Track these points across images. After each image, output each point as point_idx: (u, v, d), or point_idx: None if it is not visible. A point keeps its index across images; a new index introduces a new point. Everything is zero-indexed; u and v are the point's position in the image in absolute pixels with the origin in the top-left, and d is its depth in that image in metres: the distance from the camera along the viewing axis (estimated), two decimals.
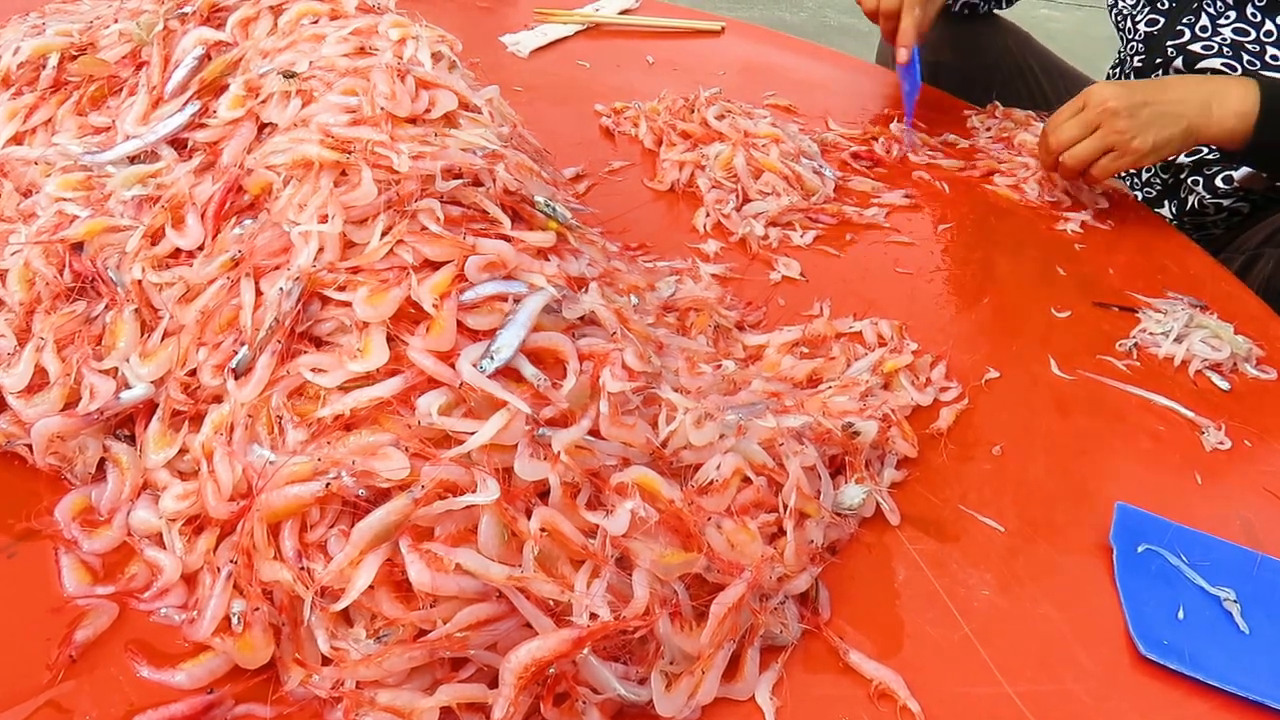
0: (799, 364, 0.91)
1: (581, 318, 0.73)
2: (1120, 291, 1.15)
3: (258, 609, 0.59)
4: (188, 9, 0.91)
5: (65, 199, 0.81)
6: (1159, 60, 1.39)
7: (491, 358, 0.64)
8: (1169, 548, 0.78)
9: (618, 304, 0.79)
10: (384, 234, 0.70)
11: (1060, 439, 0.91)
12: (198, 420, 0.68)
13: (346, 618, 0.59)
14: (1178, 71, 1.35)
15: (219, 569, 0.61)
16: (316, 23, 0.89)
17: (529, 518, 0.60)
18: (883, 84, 1.67)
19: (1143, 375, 1.01)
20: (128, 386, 0.71)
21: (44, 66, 0.91)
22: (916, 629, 0.70)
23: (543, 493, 0.62)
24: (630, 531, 0.62)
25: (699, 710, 0.62)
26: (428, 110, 0.80)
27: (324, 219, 0.70)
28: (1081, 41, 3.66)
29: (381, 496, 0.59)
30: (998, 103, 1.55)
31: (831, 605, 0.71)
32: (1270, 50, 1.27)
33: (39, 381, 0.71)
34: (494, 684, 0.57)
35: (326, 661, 0.58)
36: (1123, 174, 1.56)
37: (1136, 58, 1.45)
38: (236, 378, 0.66)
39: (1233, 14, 1.30)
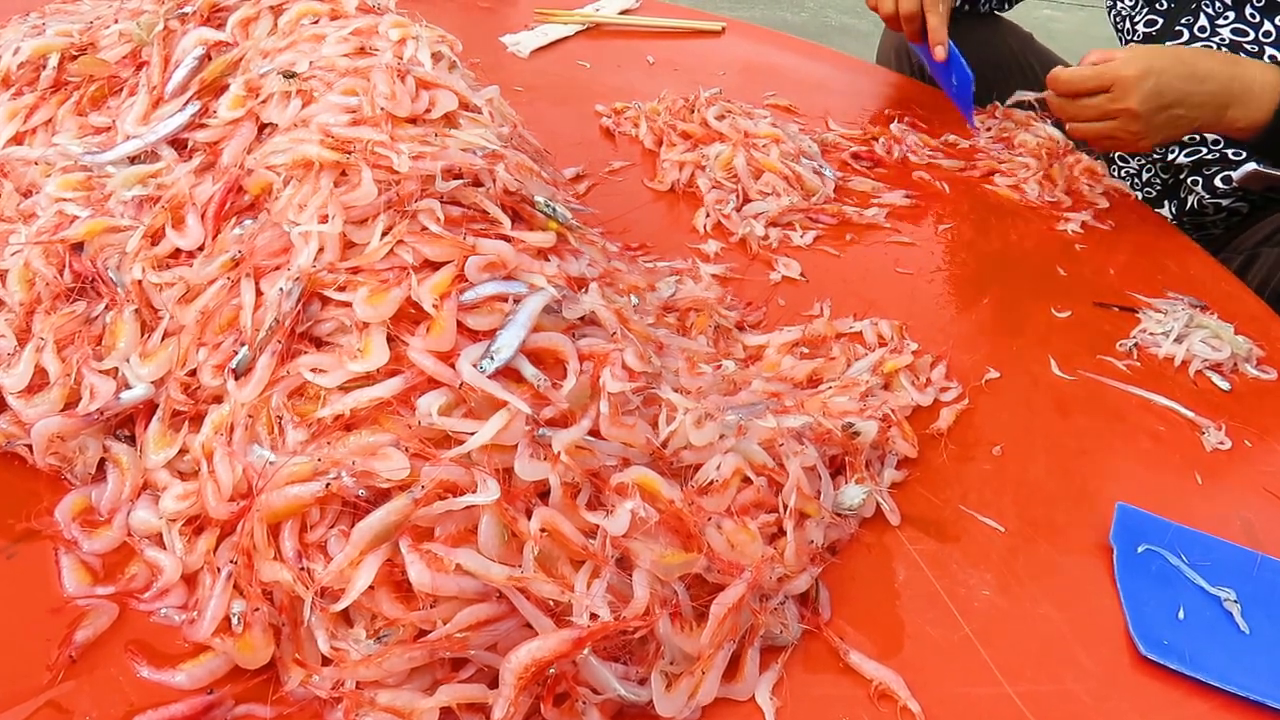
0: (799, 364, 0.91)
1: (582, 318, 0.73)
2: (1120, 291, 1.15)
3: (258, 609, 0.59)
4: (188, 9, 0.91)
5: (65, 199, 0.81)
6: None
7: (491, 358, 0.64)
8: (1169, 548, 0.78)
9: (618, 304, 0.79)
10: (384, 234, 0.70)
11: (1060, 439, 0.91)
12: (198, 420, 0.68)
13: (346, 618, 0.59)
14: None
15: (219, 569, 0.61)
16: (317, 23, 0.89)
17: (529, 518, 0.60)
18: (883, 84, 1.67)
19: (1143, 375, 1.01)
20: (128, 387, 0.71)
21: (44, 67, 0.91)
22: (917, 629, 0.70)
23: (543, 493, 0.62)
24: (630, 532, 0.62)
25: (699, 710, 0.62)
26: (428, 110, 0.80)
27: (324, 219, 0.70)
28: (1083, 41, 3.65)
29: (381, 497, 0.59)
30: (998, 103, 1.55)
31: (832, 605, 0.71)
32: (1269, 50, 1.27)
33: (39, 382, 0.71)
34: (494, 684, 0.57)
35: (326, 662, 0.58)
36: (1123, 174, 1.56)
37: None
38: (236, 378, 0.66)
39: (1231, 14, 1.30)
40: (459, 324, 0.66)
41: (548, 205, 0.79)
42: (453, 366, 0.64)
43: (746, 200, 1.21)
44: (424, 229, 0.70)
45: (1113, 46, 1.26)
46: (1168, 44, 1.36)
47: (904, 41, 1.78)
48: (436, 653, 0.57)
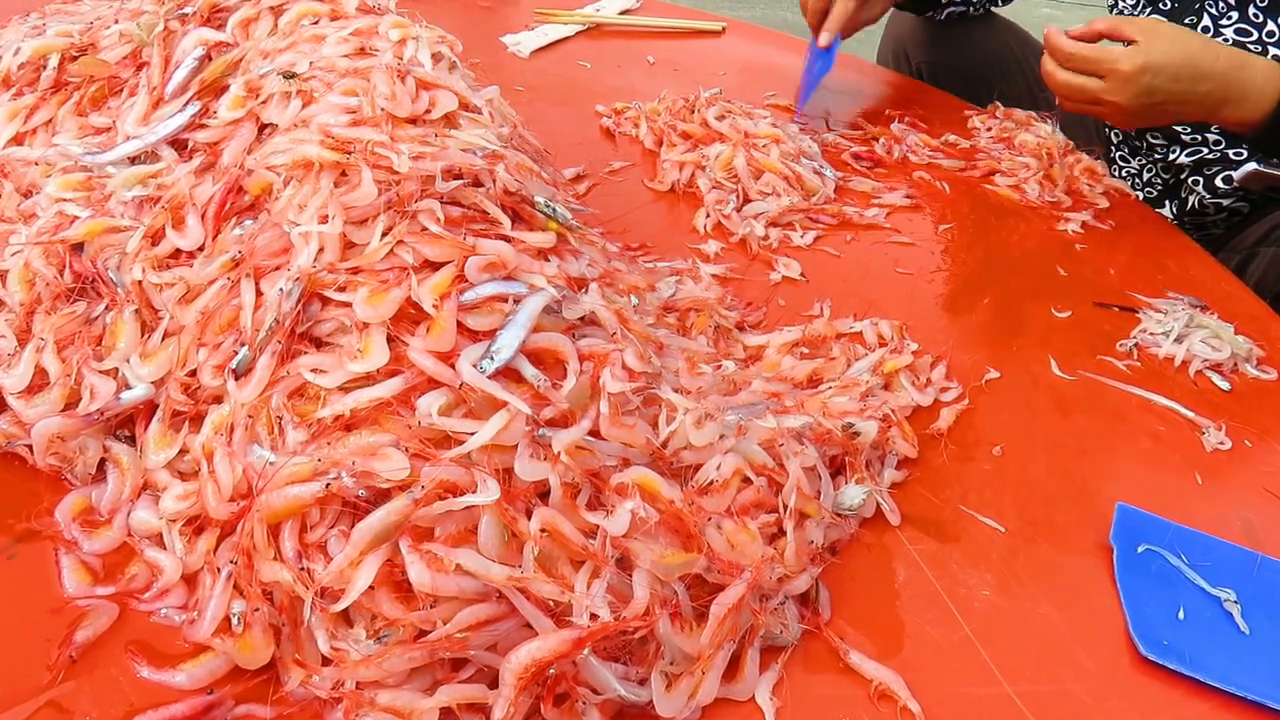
0: (799, 364, 0.91)
1: (582, 318, 0.73)
2: (1121, 291, 1.15)
3: (258, 609, 0.59)
4: (188, 9, 0.91)
5: (66, 199, 0.81)
6: None
7: (492, 358, 0.64)
8: (1169, 548, 0.78)
9: (618, 304, 0.79)
10: (384, 234, 0.70)
11: (1060, 439, 0.91)
12: (198, 421, 0.68)
13: (346, 618, 0.59)
14: None
15: (219, 569, 0.61)
16: (317, 23, 0.89)
17: (529, 518, 0.60)
18: (883, 84, 1.67)
19: (1143, 375, 1.01)
20: (128, 387, 0.71)
21: (44, 67, 0.91)
22: (917, 629, 0.70)
23: (543, 493, 0.62)
24: (630, 532, 0.62)
25: (699, 711, 0.62)
26: (428, 111, 0.80)
27: (324, 219, 0.70)
28: None
29: (381, 497, 0.59)
30: (998, 103, 1.55)
31: (832, 605, 0.71)
32: (1272, 51, 1.27)
33: (39, 382, 0.71)
34: (494, 684, 0.57)
35: (326, 662, 0.58)
36: (1124, 174, 1.56)
37: None
38: (237, 378, 0.66)
39: (1235, 14, 1.30)
40: (459, 324, 0.66)
41: (548, 205, 0.79)
42: (453, 367, 0.64)
43: (747, 200, 1.21)
44: (424, 229, 0.70)
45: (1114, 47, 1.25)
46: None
47: (904, 41, 1.78)
48: (436, 653, 0.57)
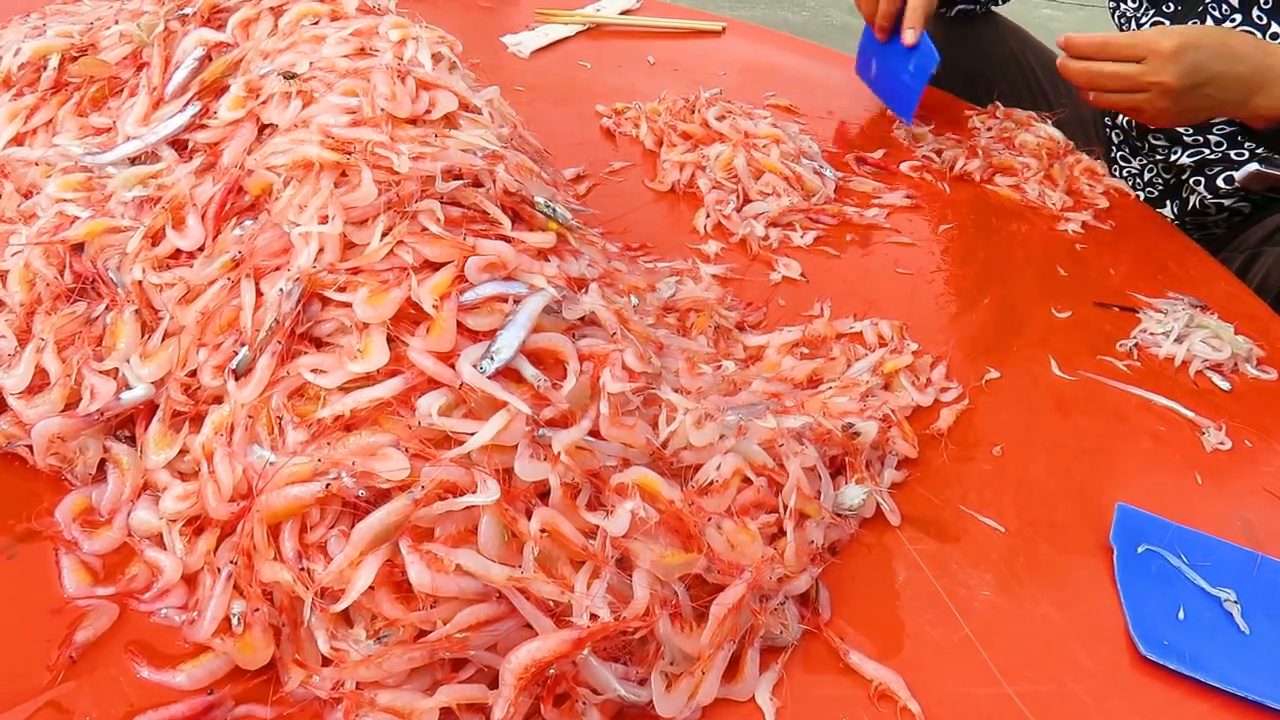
0: (799, 364, 0.91)
1: (582, 318, 0.73)
2: (1121, 291, 1.15)
3: (258, 610, 0.59)
4: (188, 10, 0.91)
5: (66, 200, 0.81)
6: None
7: (492, 358, 0.64)
8: (1169, 548, 0.78)
9: (618, 305, 0.79)
10: (384, 235, 0.70)
11: (1060, 439, 0.91)
12: (198, 421, 0.68)
13: (346, 618, 0.59)
14: None
15: (219, 570, 0.61)
16: (317, 24, 0.89)
17: (529, 518, 0.60)
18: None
19: (1143, 375, 1.01)
20: (128, 387, 0.71)
21: (45, 68, 0.91)
22: (917, 629, 0.70)
23: (543, 493, 0.62)
24: (630, 532, 0.62)
25: (699, 711, 0.62)
26: (428, 111, 0.80)
27: (324, 220, 0.70)
28: None
29: (381, 497, 0.59)
30: (999, 103, 1.55)
31: (832, 606, 0.71)
32: None
33: (39, 382, 0.71)
34: (494, 684, 0.57)
35: (326, 662, 0.58)
36: (1124, 175, 1.56)
37: None
38: (237, 378, 0.66)
39: (1239, 16, 1.30)
40: (459, 324, 0.66)
41: (548, 206, 0.79)
42: (453, 367, 0.64)
43: (747, 201, 1.21)
44: (424, 229, 0.70)
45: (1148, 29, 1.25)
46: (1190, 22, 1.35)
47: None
48: (436, 653, 0.57)
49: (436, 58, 0.87)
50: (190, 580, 0.64)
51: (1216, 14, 1.32)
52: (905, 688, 0.65)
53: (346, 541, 0.58)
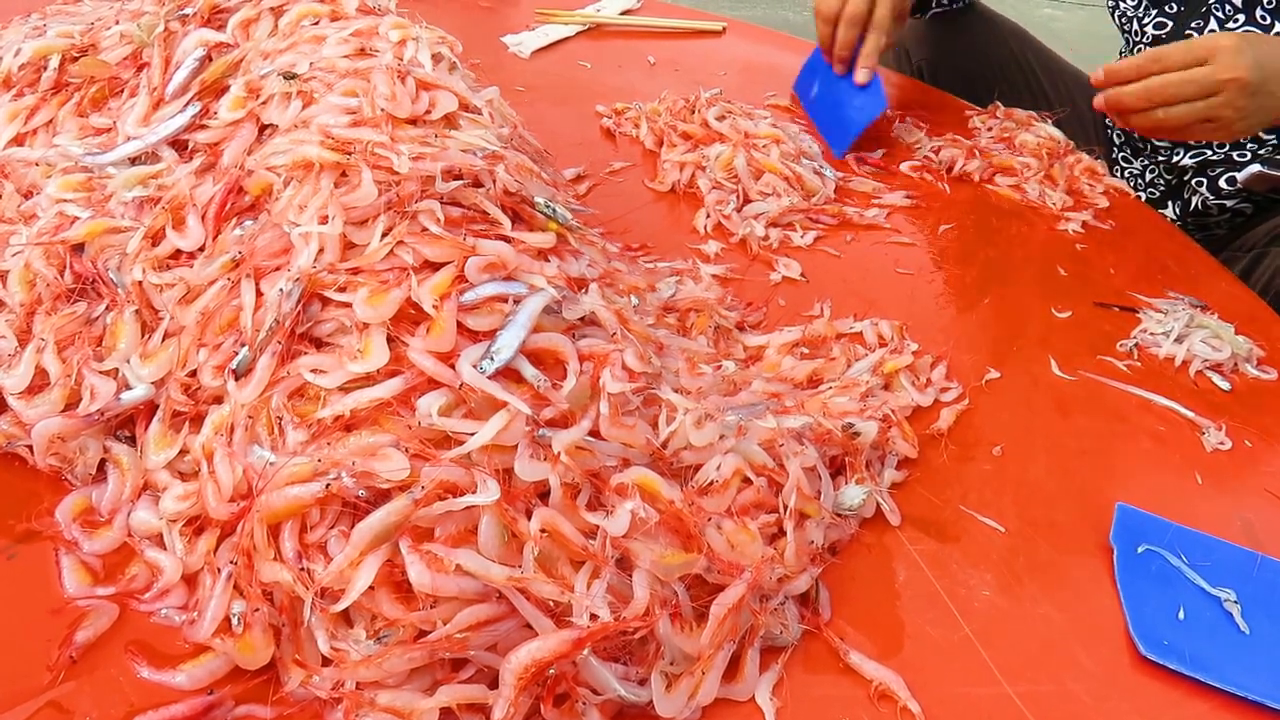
0: (799, 364, 0.91)
1: (582, 318, 0.73)
2: (1121, 291, 1.15)
3: (258, 610, 0.59)
4: (189, 10, 0.91)
5: (66, 200, 0.81)
6: None
7: (492, 359, 0.64)
8: (1169, 548, 0.78)
9: (618, 305, 0.79)
10: (384, 235, 0.70)
11: (1061, 439, 0.91)
12: (198, 421, 0.68)
13: (346, 618, 0.59)
14: None
15: (219, 570, 0.61)
16: (317, 24, 0.89)
17: (529, 518, 0.60)
18: (884, 83, 1.67)
19: (1143, 375, 1.01)
20: (128, 387, 0.71)
21: (45, 68, 0.91)
22: (917, 629, 0.70)
23: (543, 493, 0.62)
24: (630, 532, 0.62)
25: (699, 711, 0.62)
26: (428, 111, 0.80)
27: (324, 220, 0.70)
28: (1085, 41, 3.66)
29: (382, 497, 0.59)
30: (999, 103, 1.55)
31: (832, 606, 0.71)
32: None
33: (40, 383, 0.71)
34: (494, 685, 0.57)
35: (326, 662, 0.58)
36: (1126, 175, 1.56)
37: None
38: (237, 379, 0.66)
39: (1242, 16, 1.30)
40: (459, 325, 0.66)
41: (548, 206, 0.79)
42: (453, 367, 0.64)
43: (747, 201, 1.21)
44: (424, 230, 0.70)
45: (1116, 45, 1.24)
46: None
47: (904, 40, 1.78)
48: (436, 653, 0.57)
49: (436, 58, 0.87)
50: (190, 580, 0.64)
51: (1220, 14, 1.32)
52: (905, 688, 0.65)
53: (346, 542, 0.58)
